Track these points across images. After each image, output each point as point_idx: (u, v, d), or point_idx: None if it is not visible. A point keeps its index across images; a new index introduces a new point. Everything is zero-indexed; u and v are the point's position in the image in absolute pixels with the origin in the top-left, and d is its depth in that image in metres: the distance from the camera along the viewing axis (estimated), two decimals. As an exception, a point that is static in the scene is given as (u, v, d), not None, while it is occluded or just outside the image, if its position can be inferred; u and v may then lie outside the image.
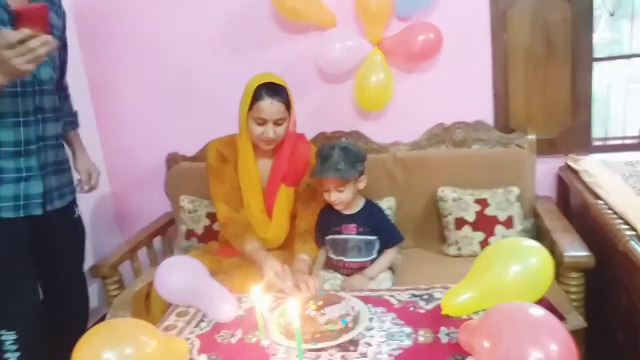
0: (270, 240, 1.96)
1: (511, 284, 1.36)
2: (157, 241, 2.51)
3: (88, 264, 2.13)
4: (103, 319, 2.07)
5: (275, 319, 1.47)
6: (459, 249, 2.14)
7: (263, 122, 1.82)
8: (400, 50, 2.28)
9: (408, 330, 1.39)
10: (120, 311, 2.02)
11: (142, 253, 2.38)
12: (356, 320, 1.42)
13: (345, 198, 1.83)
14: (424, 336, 1.35)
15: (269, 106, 1.79)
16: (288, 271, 1.73)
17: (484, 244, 2.09)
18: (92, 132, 2.73)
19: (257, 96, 1.80)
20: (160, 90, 2.62)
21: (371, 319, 1.46)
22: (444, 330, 1.36)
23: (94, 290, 2.28)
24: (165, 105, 2.63)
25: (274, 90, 1.81)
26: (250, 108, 1.81)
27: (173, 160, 2.58)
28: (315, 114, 2.50)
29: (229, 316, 1.54)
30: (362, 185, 1.87)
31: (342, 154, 1.79)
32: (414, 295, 1.58)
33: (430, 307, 1.50)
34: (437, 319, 1.42)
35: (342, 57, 2.28)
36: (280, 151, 1.94)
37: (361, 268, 1.88)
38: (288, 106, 1.85)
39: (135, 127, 2.70)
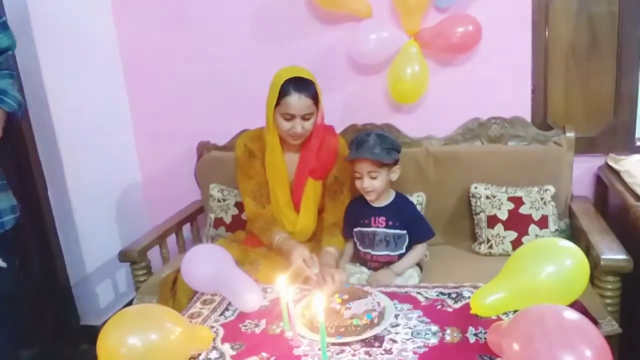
0: (298, 234, 1.94)
1: (544, 285, 1.31)
2: (186, 228, 2.53)
3: (117, 248, 2.17)
4: (130, 303, 2.10)
5: (299, 311, 1.46)
6: (490, 248, 2.08)
7: (290, 117, 1.79)
8: (437, 42, 2.23)
9: (434, 328, 1.36)
10: (147, 296, 2.04)
11: (171, 240, 2.40)
12: (381, 315, 1.40)
13: (377, 185, 1.79)
14: (450, 335, 1.32)
15: (297, 101, 1.76)
16: (316, 259, 1.72)
17: (516, 243, 2.03)
18: (125, 118, 2.77)
19: (284, 91, 1.77)
20: (193, 79, 2.63)
21: (397, 316, 1.43)
22: (471, 330, 1.33)
23: (122, 275, 2.31)
24: (197, 94, 2.64)
25: (301, 84, 1.78)
26: (277, 103, 1.79)
27: (204, 148, 2.59)
28: (347, 106, 2.47)
29: (253, 306, 1.53)
30: (395, 175, 1.84)
31: (378, 139, 1.77)
32: (442, 293, 1.54)
33: (458, 305, 1.47)
34: (465, 318, 1.39)
35: (376, 48, 2.24)
36: (308, 145, 1.90)
37: (388, 262, 1.85)
38: (316, 100, 1.81)
39: (168, 115, 2.72)
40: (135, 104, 2.77)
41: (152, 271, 2.20)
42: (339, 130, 2.37)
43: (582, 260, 1.34)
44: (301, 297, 1.57)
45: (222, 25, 2.53)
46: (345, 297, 1.47)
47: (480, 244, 2.12)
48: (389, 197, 1.89)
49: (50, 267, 2.39)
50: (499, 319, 1.35)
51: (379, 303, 1.43)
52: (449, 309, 1.46)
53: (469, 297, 1.47)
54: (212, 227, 2.38)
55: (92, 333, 2.53)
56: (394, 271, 1.81)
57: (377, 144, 1.76)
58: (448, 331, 1.34)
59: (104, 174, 2.63)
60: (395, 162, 1.83)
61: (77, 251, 2.48)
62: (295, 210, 1.96)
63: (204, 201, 2.50)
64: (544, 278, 1.31)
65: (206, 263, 1.64)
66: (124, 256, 2.11)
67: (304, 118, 1.80)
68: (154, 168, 2.84)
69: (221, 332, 1.44)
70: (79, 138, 2.46)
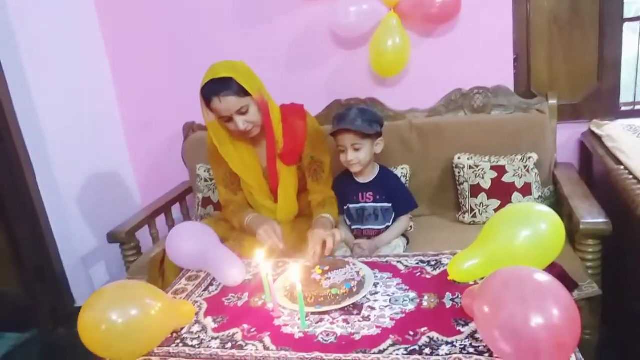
0: (279, 221, 1.89)
1: (519, 249, 1.32)
2: (176, 209, 2.55)
3: (107, 231, 2.19)
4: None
5: (281, 283, 1.48)
6: (474, 217, 2.10)
7: (228, 119, 1.72)
8: (417, 13, 2.21)
9: (412, 295, 1.38)
10: (137, 276, 2.07)
11: (161, 221, 2.42)
12: (360, 284, 1.42)
13: (362, 157, 1.80)
14: (427, 301, 1.34)
15: (219, 104, 1.68)
16: (278, 230, 1.71)
17: (500, 212, 2.05)
18: (112, 102, 2.78)
19: (205, 99, 1.72)
20: (178, 61, 2.62)
21: (376, 284, 1.45)
22: (448, 295, 1.35)
23: (115, 256, 2.34)
24: (182, 75, 2.62)
25: (218, 85, 1.67)
26: (212, 110, 1.74)
27: (190, 129, 2.59)
28: (330, 81, 2.47)
29: (235, 280, 1.56)
30: (379, 148, 1.85)
31: (359, 112, 1.79)
32: (422, 261, 1.56)
33: (436, 272, 1.49)
34: (442, 284, 1.41)
35: (357, 20, 2.22)
36: (268, 132, 1.82)
37: (378, 235, 1.87)
38: (242, 93, 1.69)
39: (155, 97, 2.72)
40: (121, 87, 2.76)
41: (142, 251, 2.22)
42: (322, 106, 2.40)
43: (557, 223, 1.35)
44: (284, 271, 1.59)
45: (204, 5, 2.51)
46: (326, 268, 1.49)
47: (464, 213, 2.14)
48: (374, 172, 1.90)
49: (43, 253, 2.42)
50: (476, 284, 1.37)
51: (358, 272, 1.45)
52: (428, 277, 1.47)
53: (446, 264, 1.49)
54: (201, 206, 2.40)
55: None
56: (375, 243, 1.83)
57: (359, 116, 1.77)
58: (426, 297, 1.36)
59: (93, 159, 2.65)
60: (378, 135, 1.83)
61: (70, 236, 2.51)
62: (274, 199, 1.93)
63: (192, 181, 2.51)
64: (520, 243, 1.32)
65: (189, 240, 1.66)
66: (112, 237, 2.13)
67: (240, 113, 1.71)
68: (143, 151, 2.85)
69: (204, 306, 1.47)
70: (65, 125, 2.46)
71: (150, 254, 2.11)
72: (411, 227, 2.03)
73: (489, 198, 2.07)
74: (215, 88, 1.67)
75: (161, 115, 2.74)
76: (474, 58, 2.29)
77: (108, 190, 2.74)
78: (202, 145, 2.43)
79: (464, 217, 2.13)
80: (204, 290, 1.57)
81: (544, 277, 1.06)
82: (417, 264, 1.56)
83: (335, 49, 2.43)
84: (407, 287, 1.42)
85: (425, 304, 1.33)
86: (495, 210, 2.06)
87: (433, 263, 1.54)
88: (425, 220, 2.17)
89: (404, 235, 1.94)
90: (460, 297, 1.32)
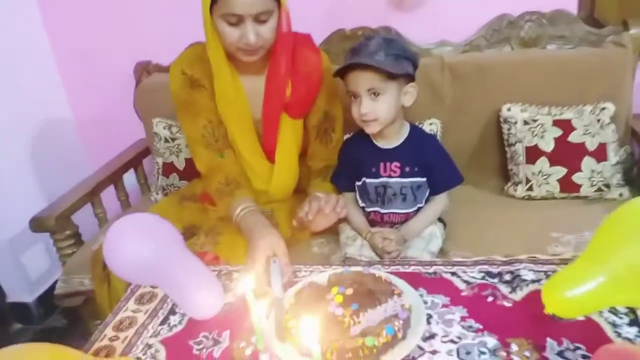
0: (274, 193, 1.41)
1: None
2: (130, 177, 1.98)
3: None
4: (54, 287, 1.58)
5: (280, 318, 0.95)
6: (530, 189, 1.58)
7: (237, 21, 1.19)
8: None
9: (492, 341, 0.87)
10: (75, 277, 1.53)
11: (110, 195, 1.85)
12: (407, 323, 0.90)
13: (381, 111, 1.24)
14: (519, 354, 0.83)
15: None
16: (282, 250, 1.14)
17: (565, 183, 1.54)
18: (40, 35, 2.11)
19: None
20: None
21: (429, 318, 0.93)
22: (552, 344, 0.85)
23: (42, 248, 1.75)
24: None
25: None
26: (215, 1, 1.18)
27: (143, 70, 1.97)
28: (331, 5, 1.87)
29: (208, 310, 1.02)
30: (408, 98, 1.28)
31: (383, 43, 1.22)
32: (489, 274, 1.05)
33: (519, 296, 0.98)
34: (536, 321, 0.90)
35: None
36: (274, 63, 1.32)
37: (405, 222, 1.34)
38: None
39: (97, 29, 2.07)
40: (51, 22, 2.10)
41: (82, 240, 1.66)
42: (319, 39, 1.80)
43: None
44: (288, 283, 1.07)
45: None
46: (349, 291, 0.96)
47: (515, 184, 1.61)
48: (403, 132, 1.34)
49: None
50: (597, 326, 0.86)
51: (401, 303, 0.93)
52: (507, 303, 0.96)
53: (532, 281, 1.00)
54: (162, 175, 1.82)
55: (23, 311, 2.08)
56: (403, 234, 1.30)
57: (382, 48, 1.21)
58: (514, 347, 0.85)
59: (23, 114, 2.03)
60: (409, 79, 1.27)
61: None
62: (269, 159, 1.40)
63: (148, 141, 1.92)
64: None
65: (135, 242, 1.09)
66: (36, 224, 1.55)
67: (258, 19, 1.19)
68: (87, 104, 2.23)
69: (162, 353, 0.95)
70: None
71: (92, 244, 1.54)
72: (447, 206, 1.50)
73: (551, 165, 1.55)
74: None
75: (107, 52, 2.10)
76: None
77: (44, 153, 2.13)
78: (160, 92, 1.81)
79: (515, 190, 1.61)
80: (162, 322, 1.04)
81: None
82: (484, 278, 1.04)
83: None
84: (480, 326, 0.91)
85: (516, 359, 0.82)
86: (560, 180, 1.54)
87: (508, 277, 1.03)
88: (462, 194, 1.60)
89: (439, 218, 1.42)
90: (572, 347, 0.82)
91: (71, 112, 2.26)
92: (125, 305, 1.12)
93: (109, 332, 1.04)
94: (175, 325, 1.03)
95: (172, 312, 1.07)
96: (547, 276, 1.01)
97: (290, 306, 0.97)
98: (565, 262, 1.05)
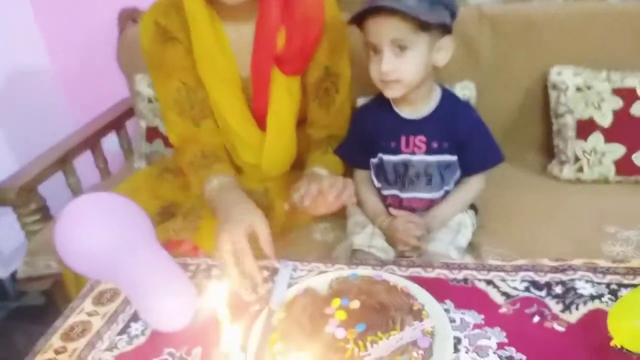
0: (267, 168, 1.16)
1: None
2: (113, 141, 1.74)
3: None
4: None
5: (267, 338, 0.73)
6: (580, 170, 1.32)
7: None
8: None
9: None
10: (41, 258, 1.32)
11: (87, 160, 1.62)
12: (429, 352, 0.67)
13: (406, 71, 0.98)
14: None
15: None
16: (265, 234, 0.89)
17: (623, 164, 1.28)
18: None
19: None
20: None
21: (457, 344, 0.71)
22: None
23: (14, 220, 1.52)
24: None
25: None
26: None
27: (129, 18, 1.70)
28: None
29: (175, 322, 0.80)
30: (442, 56, 1.01)
31: None
32: (534, 284, 0.81)
33: (574, 317, 0.74)
34: (597, 352, 0.67)
35: None
36: (265, 9, 1.06)
37: (430, 208, 1.10)
38: None
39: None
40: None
41: (51, 214, 1.44)
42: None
43: None
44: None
45: None
46: (355, 304, 0.74)
47: (561, 163, 1.35)
48: (432, 99, 1.08)
49: None
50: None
51: (421, 325, 0.70)
52: (559, 327, 0.73)
53: (590, 297, 0.77)
54: (145, 140, 1.58)
55: (-4, 288, 1.88)
56: (427, 223, 1.06)
57: None
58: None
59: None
60: (444, 31, 0.99)
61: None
62: (259, 126, 1.15)
63: (132, 100, 1.67)
64: None
65: (94, 232, 0.86)
66: (-4, 197, 1.32)
67: None
68: (68, 56, 1.97)
69: (115, 378, 0.73)
70: None
71: (60, 220, 1.32)
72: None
73: (607, 141, 1.28)
74: None
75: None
76: None
77: (20, 110, 1.90)
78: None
79: (560, 170, 1.35)
80: (121, 332, 0.83)
81: None
82: (527, 290, 0.80)
83: None
84: (523, 357, 0.69)
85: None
86: (616, 162, 1.28)
87: (558, 290, 0.79)
88: (495, 172, 1.34)
89: (471, 204, 1.17)
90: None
91: (50, 65, 2.01)
92: (81, 305, 0.90)
93: (56, 341, 0.83)
94: (136, 336, 0.82)
95: (135, 318, 0.85)
96: (611, 291, 0.78)
97: (279, 322, 0.75)
98: (635, 272, 0.81)
